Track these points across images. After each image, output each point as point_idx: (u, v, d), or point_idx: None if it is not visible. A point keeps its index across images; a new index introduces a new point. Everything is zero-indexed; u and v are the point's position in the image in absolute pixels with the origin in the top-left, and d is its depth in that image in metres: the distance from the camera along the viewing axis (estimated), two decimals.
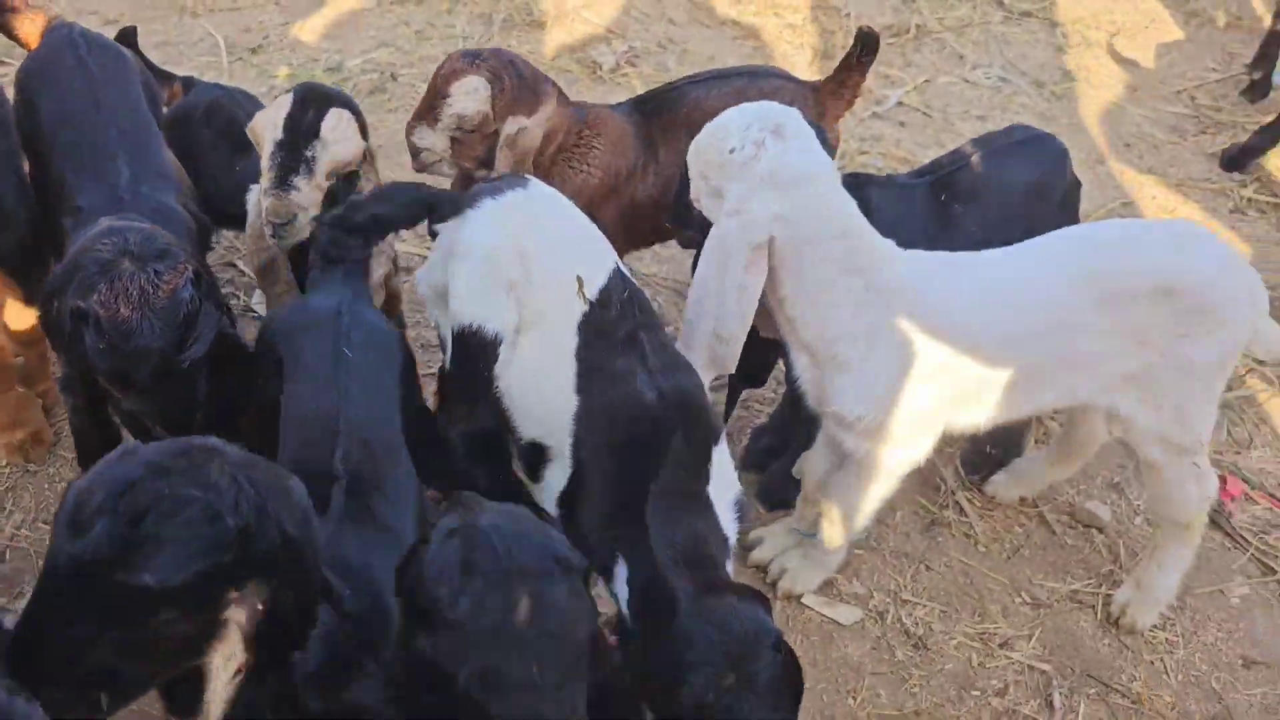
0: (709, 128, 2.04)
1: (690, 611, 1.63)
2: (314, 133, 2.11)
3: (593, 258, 1.99)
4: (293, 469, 1.61)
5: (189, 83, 2.86)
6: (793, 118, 2.00)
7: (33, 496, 2.55)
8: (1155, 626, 2.57)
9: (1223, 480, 2.90)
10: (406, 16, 4.55)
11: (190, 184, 2.33)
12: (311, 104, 2.14)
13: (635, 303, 1.97)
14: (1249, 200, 4.03)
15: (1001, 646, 2.51)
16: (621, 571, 1.78)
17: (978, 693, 2.42)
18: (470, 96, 2.40)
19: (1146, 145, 4.40)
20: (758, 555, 2.58)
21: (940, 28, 5.00)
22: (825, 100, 2.68)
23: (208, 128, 2.72)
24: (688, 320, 2.16)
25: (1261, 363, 3.23)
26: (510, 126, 2.43)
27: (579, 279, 1.90)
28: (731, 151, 1.97)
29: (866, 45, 2.65)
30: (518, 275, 1.90)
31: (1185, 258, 2.05)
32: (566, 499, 1.91)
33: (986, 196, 2.33)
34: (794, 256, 2.01)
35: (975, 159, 2.36)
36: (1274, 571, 2.73)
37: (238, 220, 2.56)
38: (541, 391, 1.90)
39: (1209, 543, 2.76)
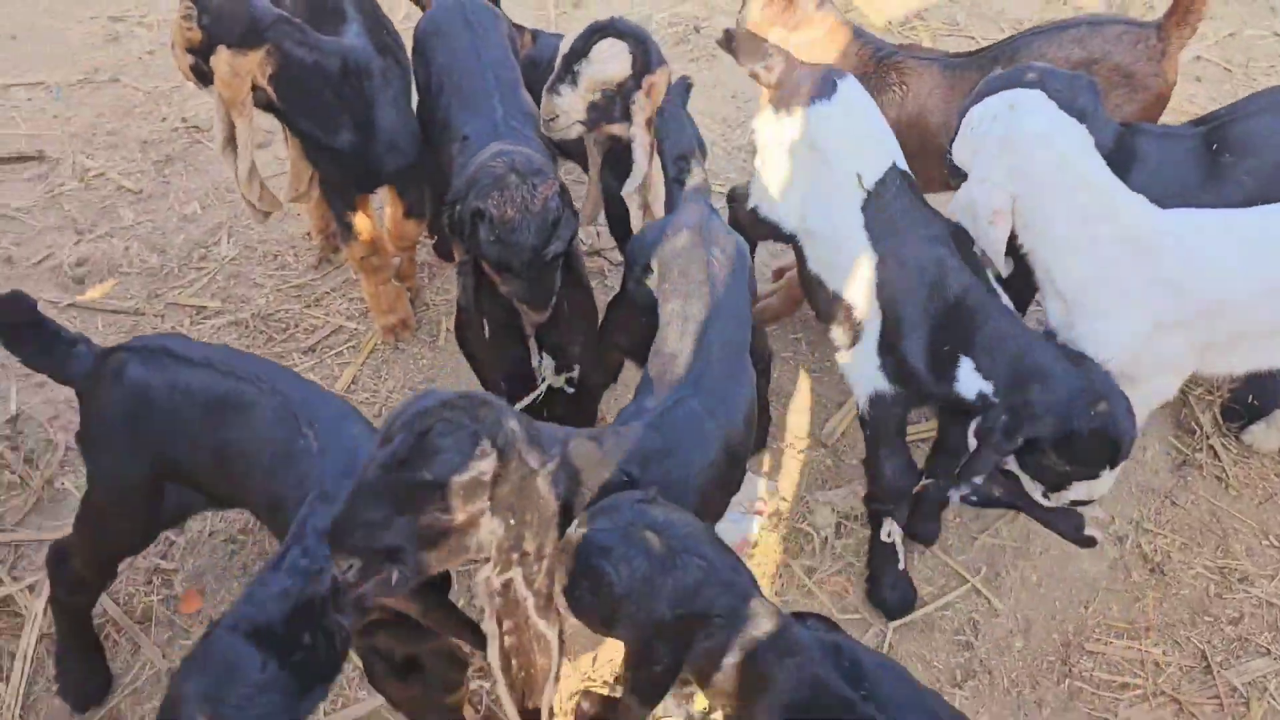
0: (967, 118, 2.32)
1: (1061, 359, 2.12)
2: (585, 53, 2.51)
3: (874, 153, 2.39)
4: (672, 351, 2.06)
5: (536, 34, 3.37)
6: (1030, 95, 2.24)
7: (401, 369, 3.19)
8: None
9: None
10: None
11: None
12: (597, 32, 2.53)
13: (907, 179, 2.37)
14: None
15: (1241, 581, 2.63)
16: (966, 364, 2.19)
17: (1210, 619, 2.56)
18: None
19: None
20: None
21: None
22: (1169, 33, 2.73)
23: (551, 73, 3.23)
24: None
25: None
26: (776, 33, 2.88)
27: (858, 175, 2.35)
28: (972, 130, 2.26)
29: None
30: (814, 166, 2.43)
31: None
32: (884, 337, 2.35)
33: (1260, 149, 2.39)
34: (1037, 210, 2.23)
35: (1253, 110, 2.45)
36: None
37: (570, 152, 3.05)
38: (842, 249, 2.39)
39: None
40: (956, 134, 2.35)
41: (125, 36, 4.54)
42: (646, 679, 1.64)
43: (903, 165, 2.37)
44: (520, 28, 3.26)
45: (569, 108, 2.55)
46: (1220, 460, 2.89)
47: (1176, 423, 2.98)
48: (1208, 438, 2.93)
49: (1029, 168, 2.22)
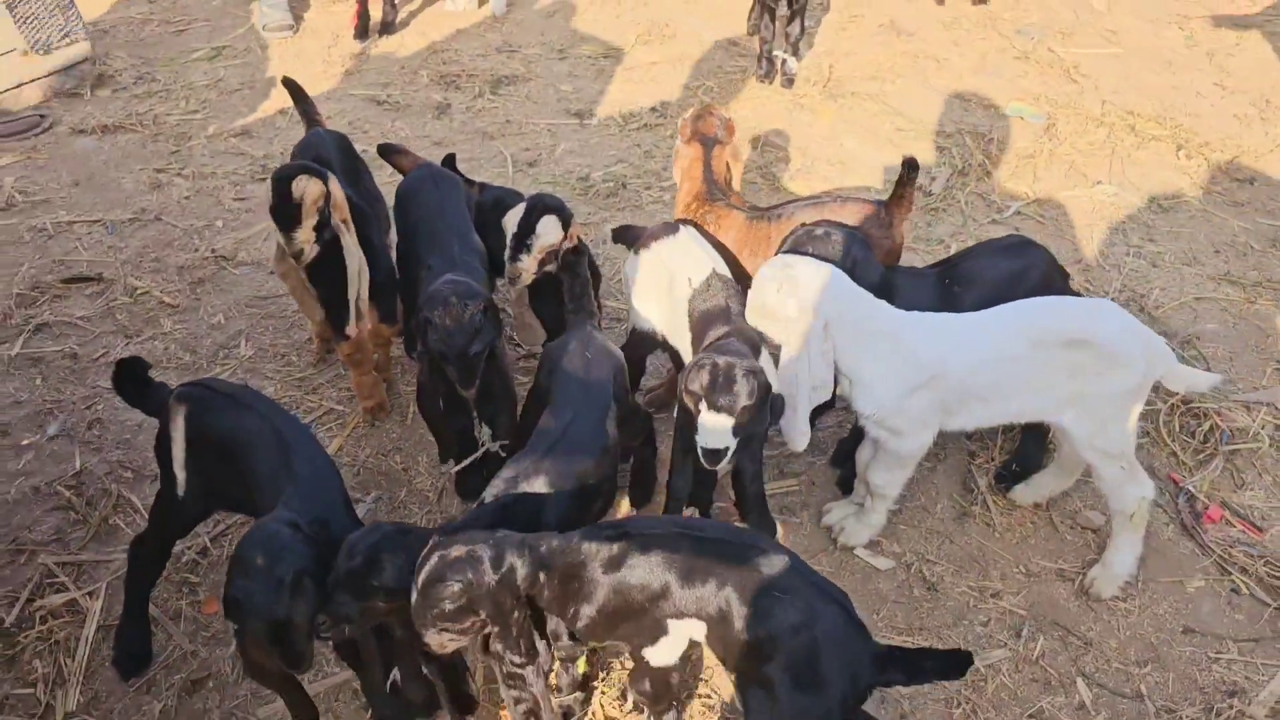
0: (754, 292, 3.25)
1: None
2: (533, 229, 3.56)
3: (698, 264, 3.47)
4: (562, 414, 3.02)
5: (484, 186, 4.42)
6: (792, 258, 3.22)
7: (376, 441, 4.12)
8: (1117, 597, 3.51)
9: (1206, 508, 3.80)
10: (639, 140, 6.12)
11: (485, 252, 3.86)
12: (535, 211, 3.57)
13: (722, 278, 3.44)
14: None
15: (993, 597, 3.54)
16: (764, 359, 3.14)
17: (967, 622, 3.46)
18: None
19: (1234, 251, 5.20)
20: (826, 520, 3.75)
21: (1073, 151, 6.00)
22: (892, 209, 3.76)
23: (494, 214, 4.22)
24: (787, 394, 3.31)
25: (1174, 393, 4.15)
26: (679, 143, 4.23)
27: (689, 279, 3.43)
28: (778, 290, 3.17)
29: (911, 168, 3.69)
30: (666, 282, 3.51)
31: (1095, 321, 3.12)
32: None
33: (979, 281, 3.43)
34: (834, 321, 3.22)
35: (974, 255, 3.52)
36: (1229, 574, 3.59)
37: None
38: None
39: (1180, 549, 3.69)
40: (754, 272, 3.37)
41: (166, 185, 5.63)
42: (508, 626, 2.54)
43: (722, 270, 3.43)
44: (470, 181, 4.32)
45: (526, 268, 3.62)
46: (990, 511, 3.84)
47: (961, 484, 3.94)
48: (982, 494, 3.89)
49: (828, 294, 3.23)
